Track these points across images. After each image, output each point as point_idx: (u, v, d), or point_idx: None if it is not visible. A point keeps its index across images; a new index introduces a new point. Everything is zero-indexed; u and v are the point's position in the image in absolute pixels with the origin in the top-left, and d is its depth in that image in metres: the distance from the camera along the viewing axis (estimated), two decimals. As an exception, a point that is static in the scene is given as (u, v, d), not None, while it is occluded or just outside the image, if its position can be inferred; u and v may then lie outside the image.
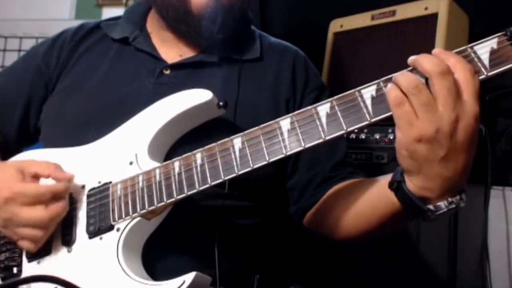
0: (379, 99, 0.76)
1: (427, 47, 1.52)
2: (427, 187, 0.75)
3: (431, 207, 0.76)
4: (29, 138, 1.21)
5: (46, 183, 0.94)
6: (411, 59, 0.75)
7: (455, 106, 0.70)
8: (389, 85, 0.74)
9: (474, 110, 0.71)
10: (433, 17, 1.56)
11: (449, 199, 0.75)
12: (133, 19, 1.20)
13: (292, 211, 1.12)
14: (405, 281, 1.39)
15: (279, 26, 2.01)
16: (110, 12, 2.30)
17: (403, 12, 1.64)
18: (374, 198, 0.89)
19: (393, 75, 0.75)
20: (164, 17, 1.13)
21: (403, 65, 0.77)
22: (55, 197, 0.91)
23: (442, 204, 0.75)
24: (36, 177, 0.94)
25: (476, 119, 0.72)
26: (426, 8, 1.59)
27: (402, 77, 0.73)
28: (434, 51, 0.74)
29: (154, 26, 1.18)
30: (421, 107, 0.71)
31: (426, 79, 0.72)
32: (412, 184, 0.76)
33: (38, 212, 0.89)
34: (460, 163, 0.73)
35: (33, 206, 0.90)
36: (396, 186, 0.79)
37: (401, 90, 0.72)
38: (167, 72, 1.11)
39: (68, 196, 0.94)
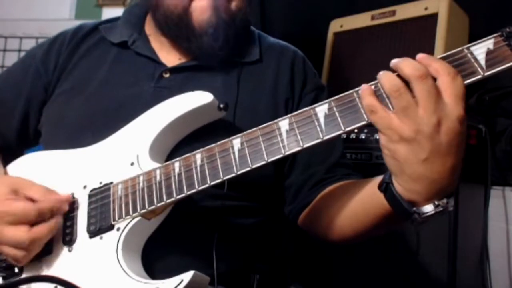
0: (377, 99, 0.76)
1: (427, 47, 1.54)
2: (414, 189, 0.75)
3: (417, 209, 0.76)
4: (29, 141, 1.20)
5: None
6: (393, 62, 0.74)
7: (435, 109, 0.70)
8: (361, 91, 0.75)
9: (457, 113, 0.71)
10: (433, 17, 1.57)
11: (436, 202, 0.75)
12: (132, 20, 1.19)
13: (287, 210, 1.12)
14: (405, 281, 1.39)
15: (279, 26, 2.01)
16: (110, 12, 2.30)
17: (403, 12, 1.64)
18: (367, 199, 0.89)
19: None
20: (166, 33, 1.12)
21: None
22: (41, 217, 0.90)
23: (429, 207, 0.75)
24: (30, 200, 0.92)
25: (460, 122, 0.71)
26: (426, 8, 1.59)
27: (386, 79, 0.73)
28: (418, 56, 0.74)
29: (152, 29, 1.17)
30: (400, 110, 0.71)
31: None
32: (399, 185, 0.76)
33: (20, 233, 0.89)
34: (446, 165, 0.73)
35: (17, 226, 0.89)
36: (385, 187, 0.79)
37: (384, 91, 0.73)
38: (167, 75, 1.10)
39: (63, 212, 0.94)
